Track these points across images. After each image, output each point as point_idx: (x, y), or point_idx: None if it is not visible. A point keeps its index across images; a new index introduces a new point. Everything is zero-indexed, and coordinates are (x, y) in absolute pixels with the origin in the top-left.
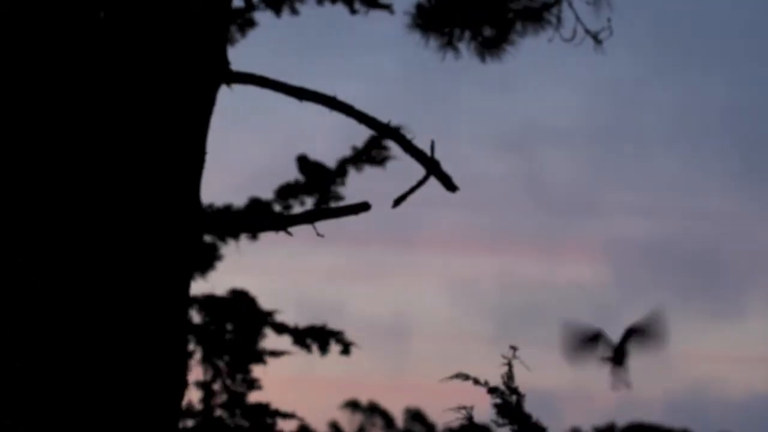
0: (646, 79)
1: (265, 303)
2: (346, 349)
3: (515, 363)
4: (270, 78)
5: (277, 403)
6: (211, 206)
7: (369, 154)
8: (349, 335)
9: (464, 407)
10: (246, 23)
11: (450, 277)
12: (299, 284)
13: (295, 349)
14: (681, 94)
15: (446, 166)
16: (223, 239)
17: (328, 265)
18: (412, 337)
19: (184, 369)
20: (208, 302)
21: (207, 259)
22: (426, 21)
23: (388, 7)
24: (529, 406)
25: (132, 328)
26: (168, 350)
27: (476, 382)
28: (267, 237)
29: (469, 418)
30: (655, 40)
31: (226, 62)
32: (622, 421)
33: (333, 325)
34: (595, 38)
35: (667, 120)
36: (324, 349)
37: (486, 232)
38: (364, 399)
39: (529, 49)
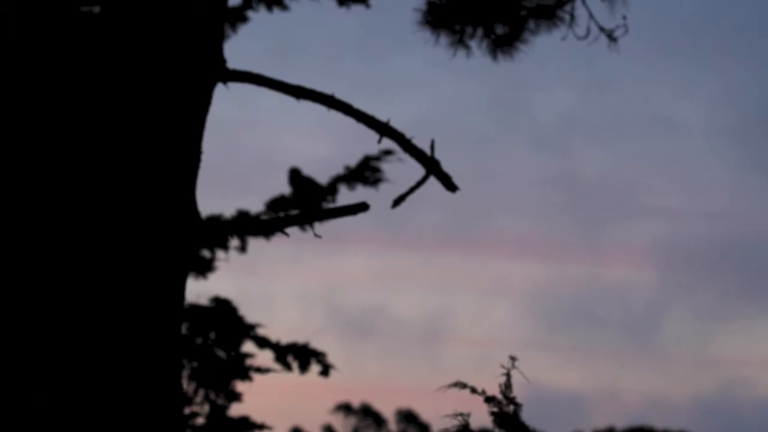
0: (686, 76)
1: (276, 305)
2: (325, 370)
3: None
4: (267, 76)
5: (272, 405)
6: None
7: (362, 174)
8: (383, 342)
9: (461, 414)
10: (238, 19)
11: (485, 280)
12: (314, 286)
13: (276, 366)
14: (721, 90)
15: (470, 168)
16: (212, 249)
17: (363, 267)
18: (446, 341)
19: (179, 369)
20: (192, 312)
21: (203, 266)
22: (437, 18)
23: (364, 1)
24: (558, 408)
25: (131, 327)
26: (165, 350)
27: (473, 391)
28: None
29: (465, 426)
30: (694, 36)
31: (223, 60)
32: (646, 424)
33: (370, 326)
34: (610, 36)
35: (708, 118)
36: (304, 368)
37: (524, 234)
38: (389, 405)
39: (565, 46)
